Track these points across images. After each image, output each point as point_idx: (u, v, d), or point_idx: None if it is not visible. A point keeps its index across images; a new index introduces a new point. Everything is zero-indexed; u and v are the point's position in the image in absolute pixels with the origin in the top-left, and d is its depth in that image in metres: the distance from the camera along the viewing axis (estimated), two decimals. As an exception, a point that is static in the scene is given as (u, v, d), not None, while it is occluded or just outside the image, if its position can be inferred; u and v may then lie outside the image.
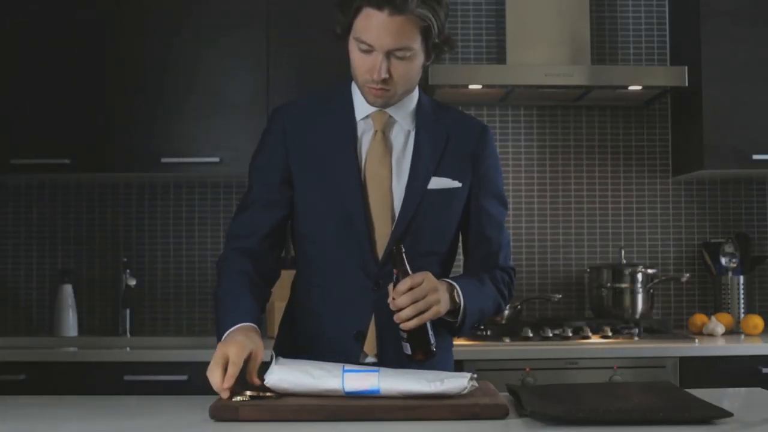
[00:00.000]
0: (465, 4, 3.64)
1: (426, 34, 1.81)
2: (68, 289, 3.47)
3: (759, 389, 1.98)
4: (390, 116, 1.94)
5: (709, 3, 3.32)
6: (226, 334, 1.81)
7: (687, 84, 3.25)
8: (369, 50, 1.81)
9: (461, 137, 1.97)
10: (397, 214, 1.90)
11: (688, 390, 1.76)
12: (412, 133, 1.95)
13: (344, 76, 3.34)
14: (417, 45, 1.81)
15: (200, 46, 3.29)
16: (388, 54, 1.80)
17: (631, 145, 3.67)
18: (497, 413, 1.57)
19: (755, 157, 3.30)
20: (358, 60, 1.86)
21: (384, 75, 1.81)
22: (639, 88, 3.31)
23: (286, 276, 3.47)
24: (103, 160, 3.28)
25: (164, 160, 3.26)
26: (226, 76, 3.29)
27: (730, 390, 2.10)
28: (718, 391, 2.03)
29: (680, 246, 3.65)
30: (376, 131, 1.94)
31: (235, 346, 1.71)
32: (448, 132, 1.97)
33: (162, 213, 3.61)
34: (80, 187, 3.60)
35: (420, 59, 1.85)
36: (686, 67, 3.26)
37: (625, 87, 3.31)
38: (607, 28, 3.68)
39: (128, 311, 3.50)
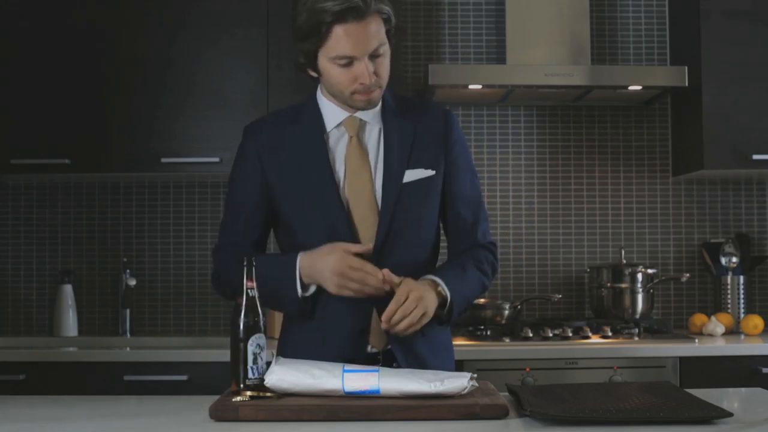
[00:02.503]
0: (465, 4, 3.64)
1: (387, 25, 1.89)
2: (68, 289, 3.47)
3: (759, 389, 1.98)
4: (360, 119, 1.99)
5: (709, 3, 3.32)
6: (302, 259, 1.90)
7: (687, 84, 3.25)
8: (350, 62, 1.87)
9: (427, 125, 2.02)
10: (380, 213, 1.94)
11: (688, 390, 1.76)
12: (383, 131, 1.99)
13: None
14: (385, 40, 1.89)
15: (200, 46, 3.29)
16: (370, 57, 1.87)
17: (631, 145, 3.67)
18: (497, 413, 1.57)
19: (755, 157, 3.30)
20: (339, 76, 1.89)
21: (374, 77, 1.87)
22: (639, 88, 3.31)
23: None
24: (103, 160, 3.28)
25: (164, 160, 3.26)
26: (226, 76, 3.29)
27: (730, 390, 2.10)
28: (718, 391, 2.03)
29: (680, 246, 3.65)
30: (351, 137, 1.98)
31: (335, 255, 1.85)
32: (414, 123, 2.01)
33: (162, 213, 3.61)
34: (80, 187, 3.60)
35: (389, 52, 1.92)
36: (686, 67, 3.26)
37: (625, 87, 3.31)
38: (607, 28, 3.68)
39: (128, 311, 3.50)
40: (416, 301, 1.83)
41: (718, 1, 3.32)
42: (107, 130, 3.28)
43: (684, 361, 2.98)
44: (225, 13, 3.29)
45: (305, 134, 2.01)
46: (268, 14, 3.29)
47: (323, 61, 1.90)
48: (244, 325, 1.71)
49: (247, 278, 1.74)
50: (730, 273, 3.47)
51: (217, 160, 3.26)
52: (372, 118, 2.00)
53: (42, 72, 3.27)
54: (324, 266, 1.86)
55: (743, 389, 2.10)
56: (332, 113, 2.00)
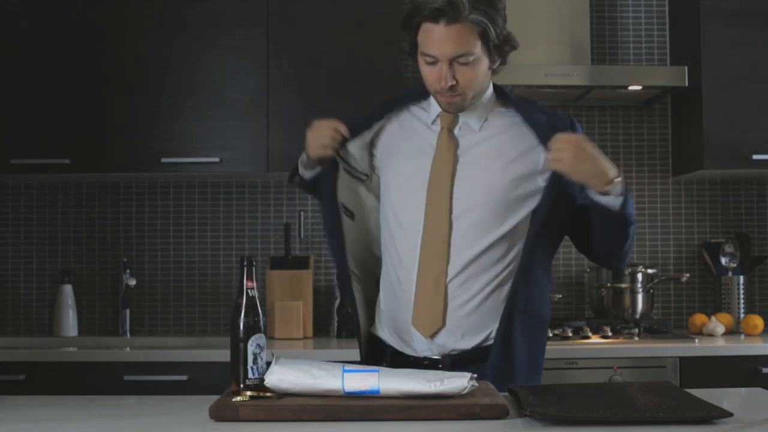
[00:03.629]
0: (465, 4, 3.64)
1: (484, 37, 1.91)
2: (68, 289, 3.47)
3: (759, 389, 1.98)
4: (455, 115, 2.03)
5: (709, 3, 3.32)
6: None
7: (687, 84, 3.25)
8: (434, 61, 1.93)
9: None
10: (454, 213, 1.98)
11: (688, 390, 1.76)
12: (481, 131, 2.02)
13: (344, 75, 3.36)
14: (477, 49, 1.91)
15: (200, 46, 3.29)
16: (451, 62, 1.91)
17: (631, 145, 3.67)
18: (497, 413, 1.57)
19: (755, 157, 3.30)
20: (426, 72, 1.97)
21: (450, 82, 1.92)
22: (639, 88, 3.31)
23: (286, 276, 3.49)
24: (103, 160, 3.29)
25: (164, 160, 3.26)
26: (226, 76, 3.29)
27: (730, 390, 2.10)
28: (718, 391, 2.03)
29: (680, 246, 3.65)
30: (442, 128, 2.03)
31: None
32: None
33: (162, 213, 3.61)
34: (80, 187, 3.60)
35: (484, 62, 1.95)
36: (686, 67, 3.26)
37: (625, 87, 3.31)
38: (607, 28, 3.68)
39: (128, 311, 3.50)
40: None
41: (718, 1, 3.32)
42: (107, 130, 3.28)
43: (684, 361, 2.98)
44: (225, 13, 3.29)
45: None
46: (268, 14, 3.29)
47: (418, 54, 1.98)
48: (244, 325, 1.71)
49: (247, 278, 1.74)
50: (730, 273, 3.47)
51: (217, 160, 3.26)
52: (469, 117, 2.03)
53: (42, 72, 3.27)
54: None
55: (743, 389, 2.10)
56: (435, 104, 2.06)
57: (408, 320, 2.00)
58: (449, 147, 2.01)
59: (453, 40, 1.88)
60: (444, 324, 1.97)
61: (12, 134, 3.27)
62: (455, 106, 1.99)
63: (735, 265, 3.47)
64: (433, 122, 2.06)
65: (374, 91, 3.22)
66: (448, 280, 1.97)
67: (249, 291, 1.74)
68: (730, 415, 1.51)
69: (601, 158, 1.88)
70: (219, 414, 1.58)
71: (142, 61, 3.29)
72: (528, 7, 3.43)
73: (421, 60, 1.96)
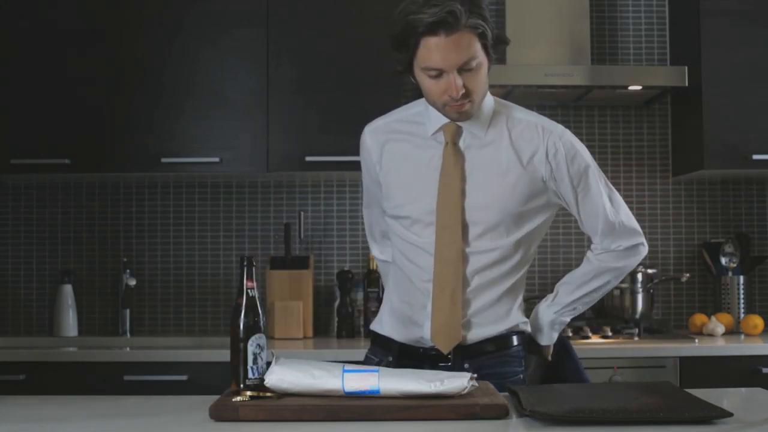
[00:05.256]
0: (465, 4, 3.64)
1: (482, 39, 1.90)
2: (68, 289, 3.47)
3: (759, 389, 1.98)
4: (458, 125, 2.01)
5: (709, 3, 3.32)
6: None
7: (687, 84, 3.25)
8: (439, 74, 1.89)
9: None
10: (469, 224, 1.99)
11: (688, 390, 1.76)
12: (485, 140, 2.02)
13: (344, 75, 3.35)
14: (479, 53, 1.90)
15: (200, 45, 3.29)
16: (459, 70, 1.88)
17: (631, 145, 3.67)
18: (497, 413, 1.57)
19: (755, 157, 3.30)
20: (431, 86, 1.93)
21: (462, 90, 1.89)
22: (639, 88, 3.31)
23: (286, 276, 3.49)
24: (103, 160, 3.29)
25: (164, 160, 3.26)
26: (226, 76, 3.29)
27: (730, 390, 2.10)
28: (718, 391, 2.03)
29: (680, 246, 3.65)
30: (447, 142, 2.01)
31: None
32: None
33: (162, 213, 3.61)
34: (80, 187, 3.60)
35: (485, 65, 1.94)
36: (686, 67, 3.26)
37: (625, 87, 3.31)
38: (607, 28, 3.68)
39: (128, 311, 3.50)
40: None
41: (718, 1, 3.32)
42: (107, 130, 3.28)
43: (684, 361, 2.98)
44: (225, 13, 3.29)
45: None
46: (268, 14, 3.29)
47: (417, 71, 1.94)
48: (244, 325, 1.71)
49: (247, 278, 1.74)
50: (730, 273, 3.47)
51: (217, 160, 3.26)
52: (473, 126, 2.01)
53: (42, 72, 3.27)
54: None
55: (743, 389, 2.10)
56: (436, 118, 2.03)
57: (420, 316, 2.01)
58: (456, 161, 1.99)
59: (456, 49, 1.86)
60: (462, 338, 1.99)
61: (12, 134, 3.27)
62: (466, 114, 1.96)
63: (735, 265, 3.47)
64: (434, 134, 2.03)
65: (374, 91, 3.23)
66: (464, 294, 1.99)
67: (249, 291, 1.74)
68: (730, 415, 1.51)
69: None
70: (219, 414, 1.58)
71: (142, 61, 3.29)
72: (528, 7, 3.43)
73: (422, 75, 1.93)
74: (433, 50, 1.87)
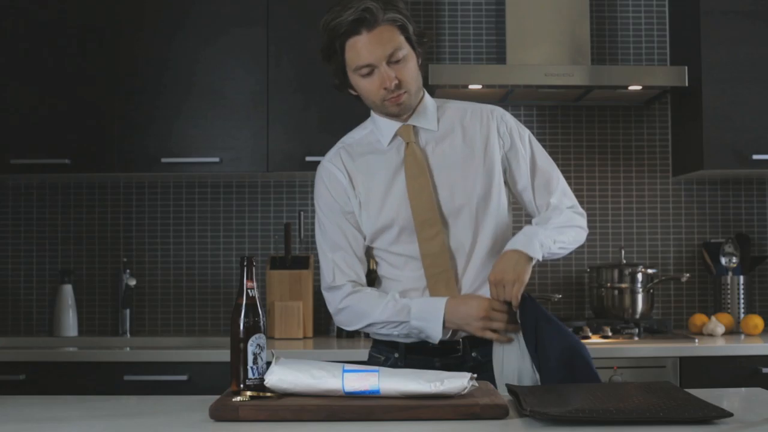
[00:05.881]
0: (465, 4, 3.64)
1: (404, 32, 1.98)
2: (68, 289, 3.47)
3: (759, 389, 1.98)
4: (414, 126, 2.07)
5: (709, 3, 3.32)
6: (447, 302, 2.02)
7: (687, 84, 3.25)
8: (370, 71, 1.97)
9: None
10: (447, 215, 2.04)
11: (688, 390, 1.76)
12: (440, 133, 2.08)
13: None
14: (403, 45, 1.98)
15: (200, 45, 3.29)
16: (388, 63, 1.96)
17: (631, 145, 3.67)
18: (497, 413, 1.57)
19: (755, 157, 3.30)
20: (367, 85, 2.00)
21: (395, 80, 1.96)
22: (639, 88, 3.31)
23: (286, 276, 3.49)
24: (103, 160, 3.29)
25: (164, 160, 3.26)
26: (225, 76, 3.29)
27: (730, 390, 2.10)
28: (718, 391, 2.03)
29: (680, 246, 3.65)
30: (407, 143, 2.06)
31: (477, 300, 2.01)
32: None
33: (162, 213, 3.61)
34: (80, 187, 3.60)
35: (412, 57, 2.01)
36: (686, 67, 3.26)
37: (625, 87, 3.31)
38: (607, 28, 3.68)
39: (128, 311, 3.50)
40: (500, 284, 1.96)
41: (718, 1, 3.32)
42: (107, 130, 3.28)
43: (684, 361, 2.98)
44: (225, 13, 3.29)
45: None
46: (268, 14, 3.29)
47: (351, 76, 2.01)
48: (244, 325, 1.71)
49: (247, 278, 1.74)
50: (730, 273, 3.47)
51: (217, 160, 3.26)
52: (424, 122, 2.08)
53: (42, 72, 3.27)
54: (468, 310, 1.98)
55: (743, 389, 2.10)
56: (387, 126, 2.08)
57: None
58: (418, 159, 2.05)
59: (380, 42, 1.95)
60: None
61: (12, 134, 3.27)
62: (404, 105, 2.02)
63: (735, 265, 3.47)
64: (390, 143, 2.08)
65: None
66: (458, 283, 2.05)
67: (249, 291, 1.73)
68: (730, 415, 1.51)
69: (512, 268, 1.97)
70: (219, 414, 1.58)
71: (142, 60, 3.29)
72: (528, 7, 3.43)
73: (356, 78, 2.00)
74: (359, 48, 1.95)
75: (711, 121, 3.31)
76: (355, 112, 3.33)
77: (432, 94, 3.34)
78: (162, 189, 3.61)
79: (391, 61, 1.96)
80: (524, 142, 2.13)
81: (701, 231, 3.66)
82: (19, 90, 3.27)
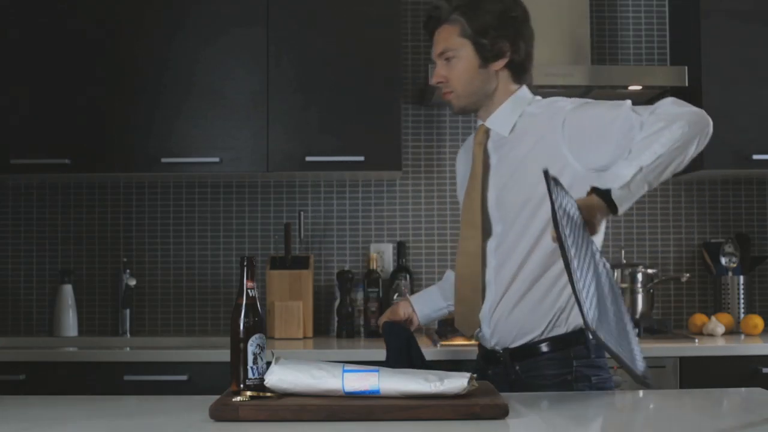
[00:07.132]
0: (465, 4, 3.64)
1: (465, 35, 2.06)
2: (68, 289, 3.47)
3: (759, 389, 1.98)
4: (484, 125, 2.14)
5: (709, 3, 3.32)
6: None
7: (687, 84, 3.25)
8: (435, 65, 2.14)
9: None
10: (492, 224, 2.08)
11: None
12: (509, 141, 2.09)
13: (344, 75, 3.35)
14: (458, 46, 2.06)
15: (200, 45, 3.29)
16: (440, 59, 2.10)
17: (631, 145, 3.66)
18: (497, 413, 1.57)
19: (755, 157, 3.30)
20: None
21: (440, 78, 2.10)
22: (639, 88, 3.31)
23: (286, 276, 3.48)
24: (103, 160, 3.29)
25: (164, 160, 3.26)
26: (225, 76, 3.29)
27: (730, 390, 2.10)
28: (718, 391, 2.03)
29: (680, 246, 3.65)
30: (476, 143, 2.14)
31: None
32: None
33: (162, 213, 3.61)
34: (80, 187, 3.60)
35: (467, 59, 2.07)
36: (686, 67, 3.26)
37: (625, 87, 3.31)
38: (607, 28, 3.68)
39: (128, 311, 3.50)
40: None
41: (718, 1, 3.32)
42: (107, 130, 3.28)
43: (684, 361, 2.98)
44: (225, 13, 3.29)
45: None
46: (268, 14, 3.29)
47: None
48: (244, 325, 1.71)
49: (247, 278, 1.74)
50: (730, 273, 3.47)
51: (217, 160, 3.26)
52: (497, 125, 2.11)
53: (42, 72, 3.27)
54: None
55: (743, 389, 2.09)
56: (477, 123, 2.20)
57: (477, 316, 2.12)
58: (480, 161, 2.10)
59: (437, 41, 2.11)
60: (481, 325, 2.09)
61: (12, 134, 3.27)
62: (452, 104, 2.14)
63: (735, 265, 3.47)
64: (474, 139, 2.18)
65: (374, 90, 3.23)
66: (497, 290, 2.06)
67: (249, 291, 1.74)
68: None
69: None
70: (219, 414, 1.58)
71: (142, 60, 3.29)
72: (528, 8, 3.42)
73: None
74: (433, 42, 2.14)
75: (711, 121, 3.30)
76: (356, 112, 3.35)
77: (432, 95, 3.35)
78: (162, 189, 3.61)
79: (443, 59, 2.09)
80: (585, 116, 2.01)
81: (701, 231, 3.66)
82: (19, 90, 3.27)
